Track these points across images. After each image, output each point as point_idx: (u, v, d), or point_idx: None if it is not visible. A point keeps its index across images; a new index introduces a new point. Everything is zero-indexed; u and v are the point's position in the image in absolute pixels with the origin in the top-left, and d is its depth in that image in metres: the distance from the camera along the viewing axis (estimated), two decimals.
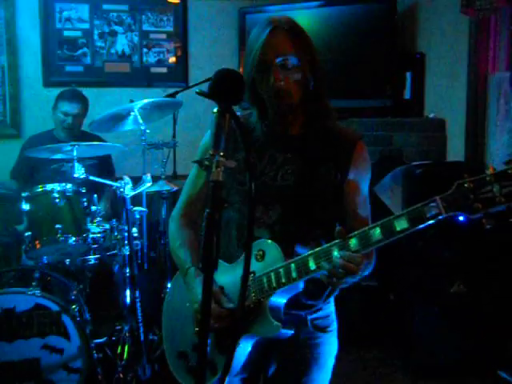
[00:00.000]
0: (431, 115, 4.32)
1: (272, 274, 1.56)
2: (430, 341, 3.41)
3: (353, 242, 1.44)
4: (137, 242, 3.28)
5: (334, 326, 1.81)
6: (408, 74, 4.44)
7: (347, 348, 3.45)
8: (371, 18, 4.37)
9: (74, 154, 3.05)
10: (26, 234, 3.06)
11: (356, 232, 1.45)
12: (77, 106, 3.81)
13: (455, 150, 4.09)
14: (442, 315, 3.36)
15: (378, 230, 1.41)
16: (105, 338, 3.25)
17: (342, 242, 1.46)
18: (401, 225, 1.37)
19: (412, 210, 1.36)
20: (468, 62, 3.87)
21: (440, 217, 1.32)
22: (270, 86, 1.60)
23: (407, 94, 4.44)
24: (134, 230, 3.27)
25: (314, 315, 1.75)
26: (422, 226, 1.35)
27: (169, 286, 3.36)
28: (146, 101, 3.35)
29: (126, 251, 3.17)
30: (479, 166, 3.78)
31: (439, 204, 1.32)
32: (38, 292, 2.86)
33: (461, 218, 1.31)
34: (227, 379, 1.44)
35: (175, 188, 3.60)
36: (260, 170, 1.69)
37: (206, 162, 1.17)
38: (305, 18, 4.41)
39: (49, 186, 3.12)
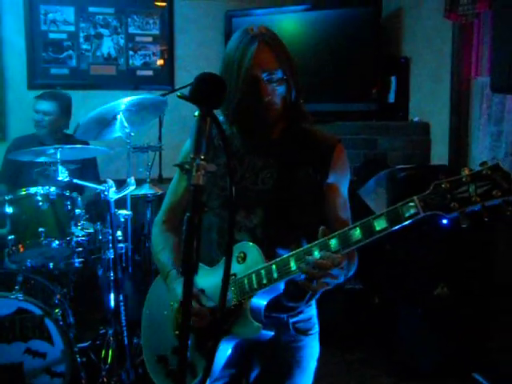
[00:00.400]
0: (415, 119, 4.36)
1: (253, 275, 1.57)
2: (412, 343, 3.43)
3: (333, 243, 1.45)
4: (121, 245, 3.28)
5: (316, 329, 1.82)
6: (393, 78, 4.48)
7: (331, 350, 3.50)
8: (357, 22, 4.41)
9: (58, 156, 3.03)
10: (9, 237, 3.03)
11: (336, 232, 1.46)
12: (48, 103, 3.74)
13: (439, 154, 4.12)
14: (424, 317, 3.38)
15: (357, 230, 1.42)
16: (89, 342, 3.24)
17: (322, 243, 1.47)
18: (380, 225, 1.39)
19: (391, 210, 1.39)
20: (451, 67, 3.92)
21: (418, 216, 1.34)
22: (258, 101, 1.60)
23: (391, 98, 4.48)
24: (119, 233, 3.26)
25: (296, 318, 1.75)
26: (400, 225, 1.37)
27: None
28: (129, 98, 3.29)
29: (111, 254, 3.15)
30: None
31: (417, 204, 1.34)
32: (20, 296, 2.85)
33: (444, 221, 1.33)
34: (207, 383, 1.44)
35: (160, 191, 3.59)
36: (240, 174, 1.69)
37: (187, 166, 1.17)
38: (291, 21, 4.44)
39: (32, 189, 3.10)
